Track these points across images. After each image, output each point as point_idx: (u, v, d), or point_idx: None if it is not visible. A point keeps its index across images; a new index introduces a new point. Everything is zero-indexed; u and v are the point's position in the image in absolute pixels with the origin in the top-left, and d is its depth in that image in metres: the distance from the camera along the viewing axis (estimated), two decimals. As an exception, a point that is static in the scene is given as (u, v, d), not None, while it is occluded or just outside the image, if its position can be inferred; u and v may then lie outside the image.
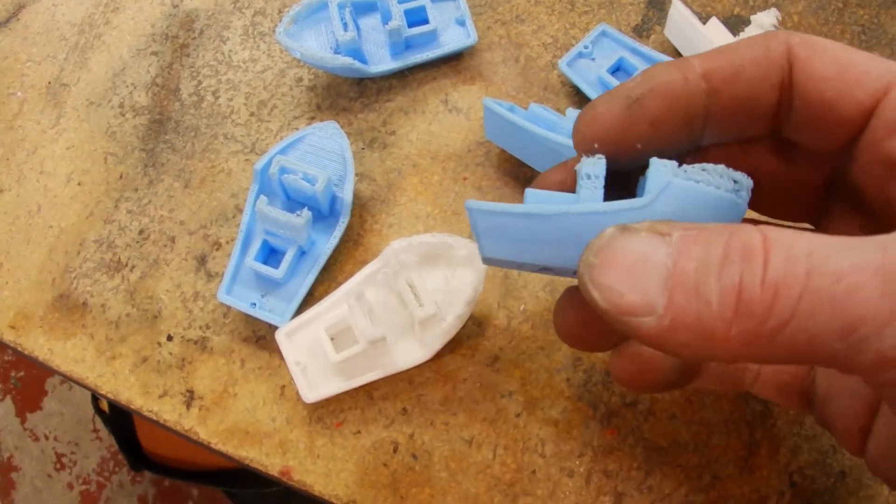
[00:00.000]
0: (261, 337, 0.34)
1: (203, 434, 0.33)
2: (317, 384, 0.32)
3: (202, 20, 0.41)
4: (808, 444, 0.31)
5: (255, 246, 0.34)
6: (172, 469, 0.70)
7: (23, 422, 1.03)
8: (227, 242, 0.36)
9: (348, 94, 0.39)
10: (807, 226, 0.24)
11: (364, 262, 0.35)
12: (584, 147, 0.21)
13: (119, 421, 0.69)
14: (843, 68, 0.19)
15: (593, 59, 0.38)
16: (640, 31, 0.39)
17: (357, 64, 0.36)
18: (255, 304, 0.33)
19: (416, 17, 0.38)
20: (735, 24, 0.39)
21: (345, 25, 0.37)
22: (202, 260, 0.36)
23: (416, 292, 0.31)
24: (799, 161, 0.22)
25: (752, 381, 0.26)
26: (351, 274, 0.34)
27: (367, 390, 0.33)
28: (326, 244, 0.34)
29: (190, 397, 0.34)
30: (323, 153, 0.35)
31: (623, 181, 0.22)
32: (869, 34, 0.38)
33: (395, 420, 0.32)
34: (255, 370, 0.34)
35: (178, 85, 0.40)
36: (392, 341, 0.32)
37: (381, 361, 0.32)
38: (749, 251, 0.16)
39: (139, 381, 0.34)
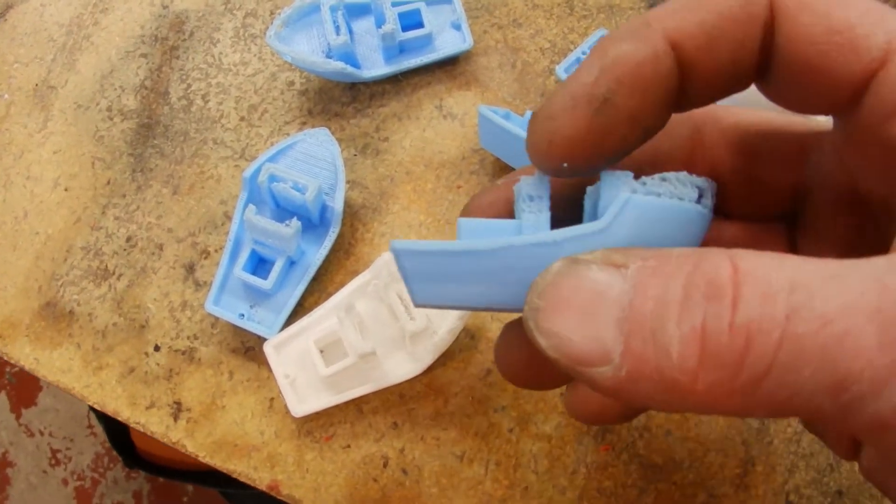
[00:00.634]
0: (249, 348, 0.34)
1: (191, 447, 0.32)
2: (306, 398, 0.32)
3: (192, 22, 0.40)
4: (805, 463, 0.31)
5: (244, 255, 0.33)
6: (166, 469, 0.69)
7: (17, 417, 1.03)
8: (216, 251, 0.35)
9: (341, 98, 0.38)
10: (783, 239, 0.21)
11: (355, 273, 0.34)
12: (551, 170, 0.17)
13: (112, 420, 0.69)
14: (835, 28, 0.15)
15: (591, 65, 0.37)
16: (639, 36, 0.39)
17: (349, 68, 0.36)
18: (243, 315, 0.33)
19: (411, 21, 0.37)
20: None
21: (337, 29, 0.36)
22: (190, 268, 0.35)
23: (407, 305, 0.31)
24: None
25: None
26: (342, 284, 0.33)
27: (357, 404, 0.32)
28: (316, 254, 0.34)
29: (177, 409, 0.33)
30: (314, 160, 0.34)
31: (567, 196, 0.19)
32: None
33: (385, 434, 0.32)
34: (243, 382, 0.33)
35: (167, 88, 0.39)
36: (383, 355, 0.31)
37: (371, 375, 0.31)
38: (715, 287, 0.13)
39: (126, 391, 0.33)
